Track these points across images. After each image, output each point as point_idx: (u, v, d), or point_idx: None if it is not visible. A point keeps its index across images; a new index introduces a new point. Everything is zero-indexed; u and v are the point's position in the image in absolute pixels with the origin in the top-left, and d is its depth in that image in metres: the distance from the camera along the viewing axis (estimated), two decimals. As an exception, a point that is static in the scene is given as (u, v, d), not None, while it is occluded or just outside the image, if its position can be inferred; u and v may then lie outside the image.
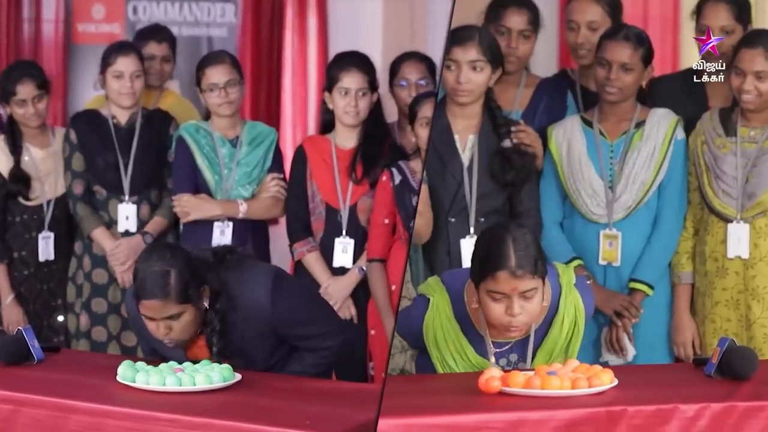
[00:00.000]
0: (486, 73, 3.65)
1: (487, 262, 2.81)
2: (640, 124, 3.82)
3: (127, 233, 4.23)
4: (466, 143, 3.74)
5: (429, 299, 3.00)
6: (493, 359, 2.95)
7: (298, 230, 4.05)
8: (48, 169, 4.28)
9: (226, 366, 2.90)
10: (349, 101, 3.96)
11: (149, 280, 2.89)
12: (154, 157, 4.25)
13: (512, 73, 3.93)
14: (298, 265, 4.06)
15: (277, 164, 4.18)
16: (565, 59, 4.50)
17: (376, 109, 4.02)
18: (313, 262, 4.01)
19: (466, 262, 3.62)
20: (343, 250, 3.99)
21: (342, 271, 4.01)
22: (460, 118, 3.73)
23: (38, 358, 3.03)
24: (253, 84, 5.72)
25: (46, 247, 4.25)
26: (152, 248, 3.00)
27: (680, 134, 3.82)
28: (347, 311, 4.01)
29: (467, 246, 3.71)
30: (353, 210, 3.99)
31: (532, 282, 2.80)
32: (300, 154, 4.07)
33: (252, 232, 4.14)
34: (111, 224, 4.24)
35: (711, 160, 3.75)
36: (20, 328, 3.06)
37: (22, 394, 2.71)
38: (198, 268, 2.96)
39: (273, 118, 5.56)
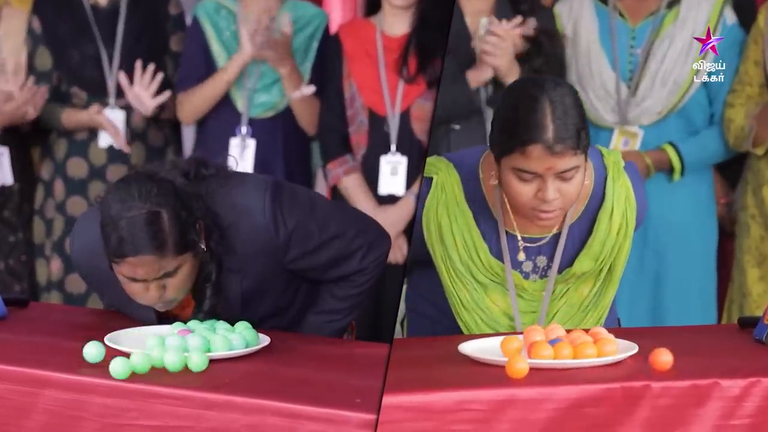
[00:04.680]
0: None
1: (514, 131, 2.66)
2: (673, 3, 3.76)
3: (111, 149, 4.15)
4: (478, 27, 3.76)
5: (431, 179, 2.87)
6: (522, 255, 2.83)
7: (333, 145, 3.98)
8: None
9: (245, 325, 2.75)
10: (397, -26, 3.90)
11: (134, 231, 2.62)
12: (149, 46, 4.16)
13: None
14: (335, 192, 4.01)
15: (321, 59, 4.08)
16: None
17: (435, -17, 3.94)
18: (353, 186, 3.96)
19: None
20: (393, 171, 3.92)
21: (391, 199, 3.94)
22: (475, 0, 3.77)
23: (0, 314, 2.98)
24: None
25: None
26: (127, 184, 2.69)
27: (730, 17, 3.72)
28: (398, 252, 3.91)
29: None
30: (405, 117, 3.92)
31: (573, 159, 2.65)
32: (334, 44, 3.99)
33: (284, 148, 4.05)
34: (92, 136, 4.17)
35: None
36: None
37: (-22, 362, 2.66)
38: (187, 199, 2.73)
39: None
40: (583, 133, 2.67)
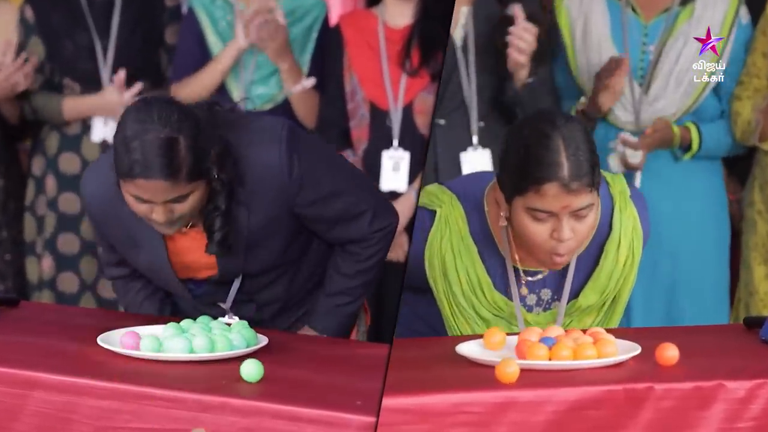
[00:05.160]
0: None
1: (527, 170, 2.65)
2: (687, 0, 3.74)
3: (104, 143, 4.14)
4: (459, 17, 3.75)
5: (434, 212, 2.87)
6: (525, 290, 2.84)
7: (333, 140, 3.97)
8: None
9: (242, 323, 2.75)
10: (399, -40, 3.91)
11: (148, 154, 2.64)
12: (144, 38, 4.17)
13: None
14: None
15: (321, 51, 4.08)
16: None
17: (440, -29, 3.93)
18: (354, 182, 3.94)
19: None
20: (395, 167, 3.92)
21: (393, 195, 3.94)
22: None
23: (-12, 314, 2.97)
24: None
25: None
26: (148, 105, 2.70)
27: (745, 16, 3.71)
28: (399, 250, 3.91)
29: (470, 161, 3.74)
30: (408, 111, 3.92)
31: (588, 197, 2.65)
32: (335, 36, 4.00)
33: None
34: (84, 130, 4.17)
35: None
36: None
37: (-33, 363, 2.64)
38: (205, 128, 2.76)
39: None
40: (596, 169, 2.67)
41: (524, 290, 2.84)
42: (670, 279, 3.83)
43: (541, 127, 2.66)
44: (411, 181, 3.92)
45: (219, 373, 2.55)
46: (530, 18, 3.73)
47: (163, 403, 2.43)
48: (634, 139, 3.73)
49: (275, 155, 2.83)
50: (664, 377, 2.45)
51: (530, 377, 2.43)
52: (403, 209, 3.91)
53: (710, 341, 2.83)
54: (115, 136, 2.71)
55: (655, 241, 3.61)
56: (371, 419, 2.33)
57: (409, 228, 3.91)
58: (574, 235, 2.67)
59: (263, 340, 2.72)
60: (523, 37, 3.67)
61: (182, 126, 2.67)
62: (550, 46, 3.81)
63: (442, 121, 3.80)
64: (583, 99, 3.81)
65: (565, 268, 2.83)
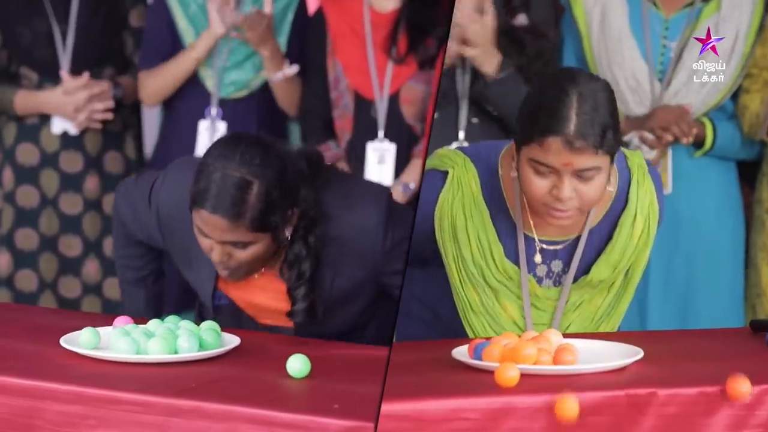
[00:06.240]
0: None
1: (535, 120, 2.71)
2: None
3: (65, 135, 4.16)
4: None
5: (446, 172, 2.92)
6: (539, 258, 2.88)
7: (315, 131, 4.00)
8: None
9: (211, 324, 2.77)
10: (385, -60, 3.92)
11: (219, 188, 2.74)
12: (105, 23, 4.19)
13: None
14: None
15: (299, 34, 4.08)
16: None
17: (428, -46, 3.93)
18: (337, 176, 3.96)
19: None
20: (380, 159, 3.93)
21: (377, 189, 3.94)
22: None
23: (-58, 313, 2.97)
24: None
25: None
26: (236, 141, 2.80)
27: None
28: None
29: None
30: (394, 101, 3.93)
31: (593, 159, 2.70)
32: (317, 20, 4.00)
33: (258, 132, 3.99)
34: (44, 120, 4.18)
35: None
36: None
37: None
38: (292, 182, 2.83)
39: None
40: (609, 133, 2.69)
41: (538, 257, 2.88)
42: (686, 279, 3.86)
43: (560, 80, 2.73)
44: (397, 173, 3.92)
45: (189, 376, 2.56)
46: (528, 30, 3.78)
47: (132, 408, 2.44)
48: (651, 137, 3.76)
49: (374, 219, 2.92)
50: (668, 382, 2.46)
51: (530, 382, 2.44)
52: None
53: (715, 345, 2.85)
54: (201, 160, 2.80)
55: (671, 240, 3.67)
56: (350, 423, 2.34)
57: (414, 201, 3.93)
58: (577, 196, 2.72)
59: (233, 342, 2.74)
60: (465, 27, 3.70)
61: (260, 171, 2.75)
62: (548, 61, 3.84)
63: (434, 114, 3.81)
64: None
65: (577, 240, 2.88)
